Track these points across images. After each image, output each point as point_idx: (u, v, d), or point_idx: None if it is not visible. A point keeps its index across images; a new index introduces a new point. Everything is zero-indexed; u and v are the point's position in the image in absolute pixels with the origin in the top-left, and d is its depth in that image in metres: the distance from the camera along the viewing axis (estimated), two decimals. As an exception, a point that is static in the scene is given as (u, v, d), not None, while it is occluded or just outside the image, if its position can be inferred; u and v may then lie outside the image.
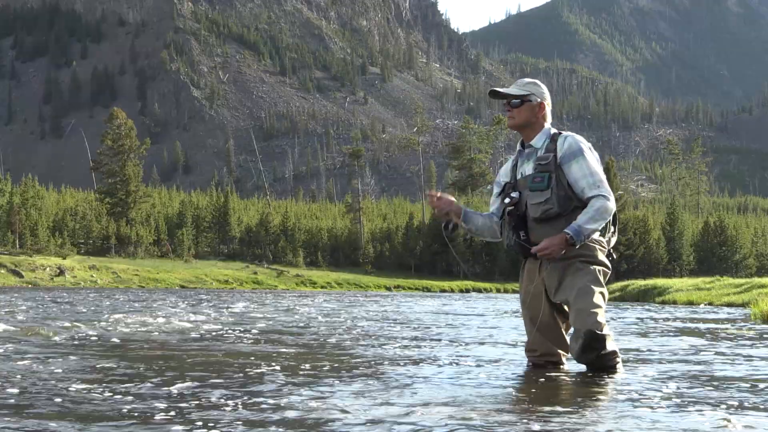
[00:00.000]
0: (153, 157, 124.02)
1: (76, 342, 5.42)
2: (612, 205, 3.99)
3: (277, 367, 4.08)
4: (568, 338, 4.14)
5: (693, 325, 9.21)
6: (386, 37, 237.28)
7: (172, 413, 2.70)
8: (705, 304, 19.55)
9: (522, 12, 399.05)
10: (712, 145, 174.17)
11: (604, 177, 4.04)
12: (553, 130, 4.17)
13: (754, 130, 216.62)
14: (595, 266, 4.00)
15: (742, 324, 9.42)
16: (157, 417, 2.64)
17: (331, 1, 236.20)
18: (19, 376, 3.56)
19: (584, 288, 3.90)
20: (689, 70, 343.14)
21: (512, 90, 4.21)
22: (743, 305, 16.34)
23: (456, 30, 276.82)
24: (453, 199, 4.28)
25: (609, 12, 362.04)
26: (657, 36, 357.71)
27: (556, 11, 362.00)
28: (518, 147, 4.28)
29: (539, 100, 4.17)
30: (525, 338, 4.36)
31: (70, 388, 3.24)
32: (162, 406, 2.87)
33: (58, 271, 37.02)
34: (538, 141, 4.14)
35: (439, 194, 4.28)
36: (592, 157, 4.05)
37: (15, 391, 3.17)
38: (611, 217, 4.14)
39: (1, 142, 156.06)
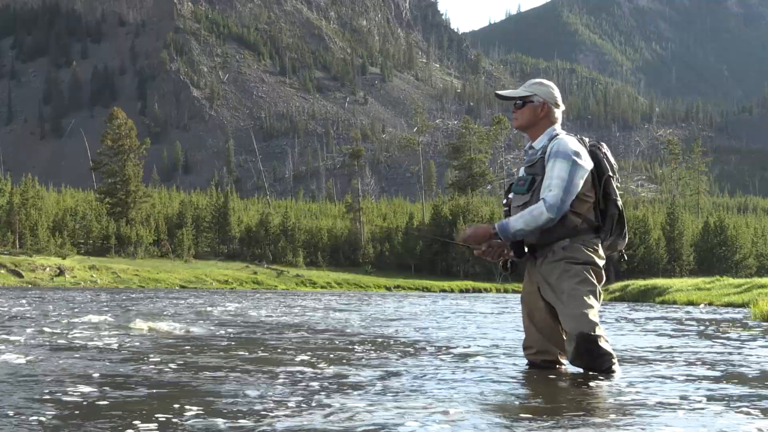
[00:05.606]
0: (153, 157, 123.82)
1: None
2: (546, 215, 3.80)
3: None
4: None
5: (692, 325, 9.21)
6: (386, 37, 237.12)
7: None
8: (705, 304, 19.53)
9: (522, 12, 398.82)
10: (712, 145, 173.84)
11: (564, 185, 3.82)
12: (556, 132, 4.05)
13: (754, 130, 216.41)
14: (581, 265, 3.88)
15: (742, 324, 9.42)
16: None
17: (331, 1, 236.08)
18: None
19: (572, 291, 3.83)
20: (689, 70, 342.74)
21: (514, 91, 4.20)
22: (743, 305, 16.33)
23: (456, 30, 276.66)
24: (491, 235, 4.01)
25: (609, 12, 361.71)
26: (657, 36, 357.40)
27: (556, 11, 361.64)
28: (525, 147, 4.23)
29: (542, 100, 4.08)
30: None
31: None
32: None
33: (58, 271, 37.02)
34: (539, 143, 4.06)
35: (484, 248, 4.02)
36: (571, 165, 3.86)
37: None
38: (616, 221, 4.01)
39: (1, 142, 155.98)
